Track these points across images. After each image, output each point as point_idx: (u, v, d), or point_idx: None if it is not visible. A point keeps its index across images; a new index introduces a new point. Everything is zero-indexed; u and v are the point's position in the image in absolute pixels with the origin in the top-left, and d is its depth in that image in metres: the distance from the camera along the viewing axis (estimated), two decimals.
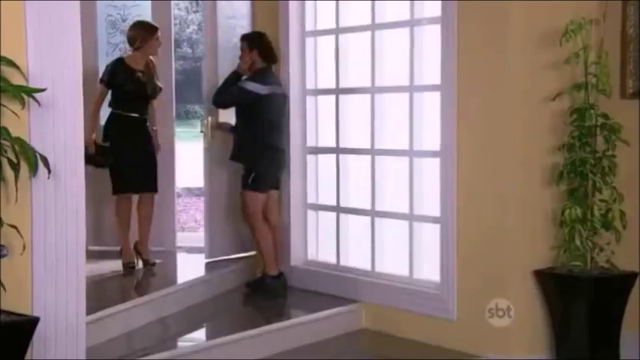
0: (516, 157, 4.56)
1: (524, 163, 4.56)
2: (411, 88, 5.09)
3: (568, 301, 4.42)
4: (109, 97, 5.76)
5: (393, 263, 5.27)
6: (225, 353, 4.52)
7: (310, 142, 5.75)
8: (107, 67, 5.74)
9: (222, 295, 5.53)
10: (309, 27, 5.73)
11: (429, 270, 5.00)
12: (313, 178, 5.76)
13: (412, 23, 5.06)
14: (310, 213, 5.77)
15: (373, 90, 5.31)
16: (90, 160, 5.44)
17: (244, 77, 5.56)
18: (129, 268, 5.63)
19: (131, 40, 5.72)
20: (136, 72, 5.63)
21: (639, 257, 4.54)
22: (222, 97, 5.55)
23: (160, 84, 5.79)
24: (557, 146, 4.54)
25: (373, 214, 5.34)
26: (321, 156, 5.75)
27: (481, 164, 4.67)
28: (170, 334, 4.85)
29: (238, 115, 5.59)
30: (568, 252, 4.48)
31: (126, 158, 5.60)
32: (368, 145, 5.35)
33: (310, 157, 5.76)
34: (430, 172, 4.98)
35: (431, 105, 4.96)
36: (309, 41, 5.74)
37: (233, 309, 5.44)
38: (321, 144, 5.73)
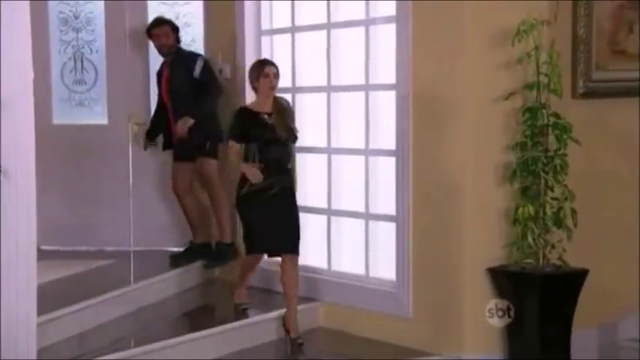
0: (470, 156, 4.60)
1: (477, 161, 4.61)
2: (367, 87, 5.11)
3: (520, 299, 4.47)
4: None
5: (349, 262, 5.28)
6: (184, 353, 4.51)
7: None
8: (232, 116, 5.04)
9: (179, 294, 5.51)
10: (265, 26, 5.72)
11: (385, 268, 5.02)
12: None
13: (367, 22, 5.08)
14: None
15: (329, 89, 5.32)
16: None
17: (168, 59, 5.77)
18: (241, 309, 5.12)
19: (251, 81, 5.03)
20: (259, 115, 4.86)
21: (590, 254, 4.62)
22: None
23: (296, 127, 4.95)
24: (510, 145, 4.59)
25: (329, 212, 5.35)
26: None
27: (436, 163, 4.70)
28: (126, 334, 4.82)
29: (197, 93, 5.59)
30: (521, 250, 4.54)
31: (262, 216, 4.80)
32: (324, 144, 5.36)
33: None
34: (386, 170, 5.00)
35: (386, 104, 4.99)
36: (265, 40, 5.73)
37: (190, 308, 5.42)
38: None
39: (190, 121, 5.57)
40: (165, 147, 5.84)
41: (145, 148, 5.93)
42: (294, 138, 4.93)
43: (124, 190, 6.31)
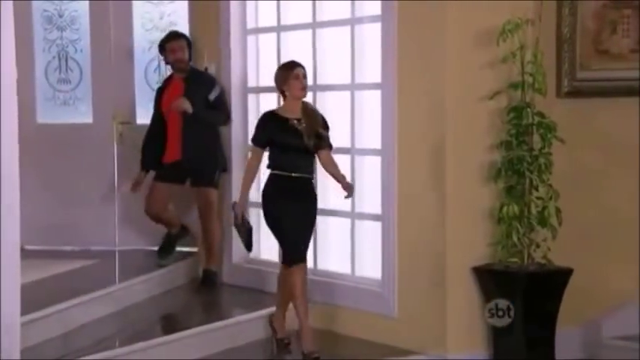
0: (456, 155, 4.61)
1: (463, 160, 4.62)
2: (353, 87, 5.12)
3: (505, 298, 4.48)
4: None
5: (335, 261, 5.29)
6: (168, 352, 4.50)
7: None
8: (257, 121, 4.77)
9: (164, 293, 5.49)
10: (250, 24, 5.72)
11: (371, 267, 5.02)
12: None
13: (353, 22, 5.08)
14: (252, 211, 5.75)
15: (315, 88, 5.31)
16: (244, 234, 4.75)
17: (182, 75, 5.61)
18: (283, 344, 4.74)
19: (278, 85, 4.75)
20: (288, 120, 4.60)
21: (574, 253, 4.64)
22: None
23: (324, 133, 4.66)
24: (495, 144, 4.61)
25: None
26: None
27: (421, 162, 4.70)
28: (111, 334, 4.80)
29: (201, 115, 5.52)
30: (506, 249, 4.55)
31: (289, 226, 4.59)
32: None
33: None
34: (372, 170, 5.01)
35: (372, 103, 4.99)
36: (251, 39, 5.73)
37: (174, 307, 5.40)
38: None
39: (188, 104, 5.43)
40: (156, 167, 5.63)
41: (136, 187, 5.70)
42: (326, 145, 4.64)
43: (109, 190, 6.29)
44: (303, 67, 4.69)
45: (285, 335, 4.75)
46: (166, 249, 5.76)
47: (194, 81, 5.57)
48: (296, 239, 4.60)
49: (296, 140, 4.57)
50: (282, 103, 4.79)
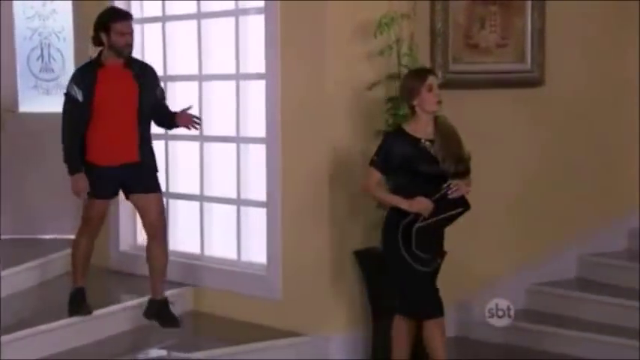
0: (338, 143, 4.75)
1: (345, 148, 4.77)
2: (238, 77, 5.20)
3: (384, 280, 4.67)
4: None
5: (221, 247, 5.36)
6: (53, 340, 4.51)
7: None
8: (383, 140, 3.88)
9: (47, 282, 5.44)
10: (135, 14, 5.69)
11: (257, 252, 5.13)
12: None
13: (238, 13, 5.17)
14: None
15: (201, 78, 5.39)
16: None
17: (121, 61, 4.62)
18: None
19: (405, 98, 3.92)
20: (420, 141, 3.81)
21: (448, 236, 4.84)
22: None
23: (467, 155, 3.85)
24: (374, 133, 4.79)
25: (202, 199, 5.43)
26: None
27: (305, 150, 4.84)
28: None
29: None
30: None
31: (421, 274, 3.87)
32: (196, 132, 5.41)
33: None
34: (257, 157, 5.11)
35: (257, 93, 5.10)
36: (136, 28, 5.68)
37: (59, 296, 5.36)
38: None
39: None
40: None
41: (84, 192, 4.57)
42: (466, 170, 3.83)
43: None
44: (435, 75, 3.87)
45: None
46: (80, 303, 4.75)
47: (140, 70, 4.61)
48: (421, 292, 3.91)
49: (431, 167, 3.75)
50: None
